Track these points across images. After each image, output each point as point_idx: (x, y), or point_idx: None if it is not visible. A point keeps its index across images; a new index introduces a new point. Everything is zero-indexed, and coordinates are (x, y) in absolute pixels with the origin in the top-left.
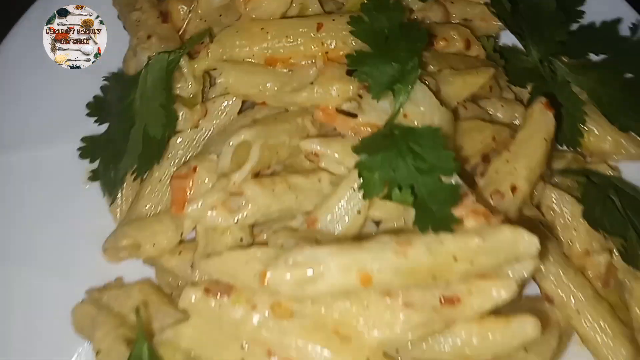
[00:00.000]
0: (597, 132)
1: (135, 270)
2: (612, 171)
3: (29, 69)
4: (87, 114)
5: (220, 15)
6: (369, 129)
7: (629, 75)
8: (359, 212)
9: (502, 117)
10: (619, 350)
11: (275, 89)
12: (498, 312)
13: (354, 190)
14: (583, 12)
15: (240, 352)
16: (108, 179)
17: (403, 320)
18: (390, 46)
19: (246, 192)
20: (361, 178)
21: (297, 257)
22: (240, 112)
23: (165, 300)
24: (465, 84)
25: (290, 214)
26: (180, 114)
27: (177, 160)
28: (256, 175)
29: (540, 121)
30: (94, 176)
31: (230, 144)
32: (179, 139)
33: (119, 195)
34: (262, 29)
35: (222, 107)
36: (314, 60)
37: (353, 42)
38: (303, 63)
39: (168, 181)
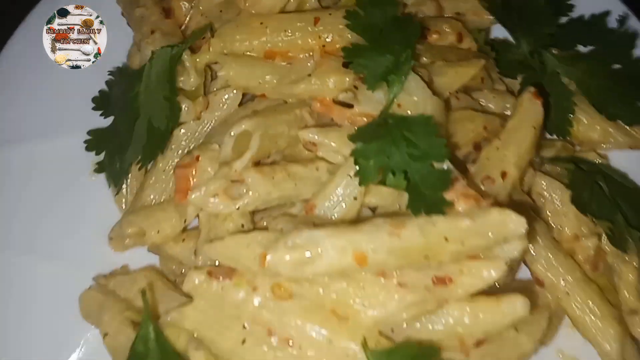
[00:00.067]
0: (585, 122)
1: (140, 260)
2: (600, 159)
3: (39, 67)
4: (93, 108)
5: (221, 11)
6: (364, 119)
7: (617, 66)
8: (355, 198)
9: (494, 108)
10: (607, 331)
11: (275, 81)
12: (490, 293)
13: (351, 177)
14: (573, 5)
15: (242, 332)
16: (113, 170)
17: (397, 300)
18: (385, 39)
19: (247, 180)
20: (357, 165)
21: (296, 239)
22: (240, 104)
23: (170, 285)
24: (457, 74)
25: (290, 202)
26: (183, 106)
27: (180, 151)
28: (257, 164)
29: (529, 110)
30: (99, 168)
31: (232, 133)
32: (182, 130)
33: (124, 186)
34: (261, 23)
35: (224, 100)
36: (311, 53)
37: (349, 35)
38: (301, 56)
39: (171, 171)
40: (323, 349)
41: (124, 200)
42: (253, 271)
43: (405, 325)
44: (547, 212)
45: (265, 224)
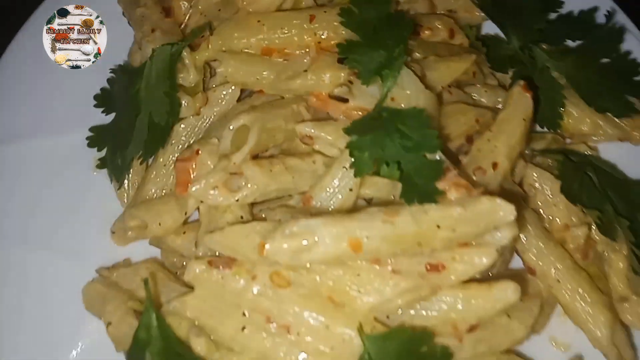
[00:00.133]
0: (576, 115)
1: (142, 253)
2: (590, 151)
3: (43, 66)
4: (95, 105)
5: (219, 10)
6: (359, 113)
7: (605, 59)
8: (350, 189)
9: (486, 102)
10: (597, 317)
11: (272, 77)
12: (483, 281)
13: (346, 168)
14: (562, 2)
15: (241, 319)
16: (115, 165)
17: (392, 286)
18: (379, 35)
19: (246, 173)
20: (352, 157)
21: (293, 228)
22: (239, 99)
23: (171, 276)
24: (449, 69)
25: (287, 194)
26: (183, 102)
27: (180, 146)
28: (255, 157)
29: (519, 102)
30: (102, 164)
31: (231, 127)
32: (182, 126)
33: (126, 180)
34: (258, 21)
35: (222, 95)
36: (307, 50)
37: (343, 32)
38: (297, 52)
39: (172, 166)
40: (320, 335)
41: (125, 195)
42: (252, 260)
43: (400, 311)
44: (538, 202)
45: (263, 216)
